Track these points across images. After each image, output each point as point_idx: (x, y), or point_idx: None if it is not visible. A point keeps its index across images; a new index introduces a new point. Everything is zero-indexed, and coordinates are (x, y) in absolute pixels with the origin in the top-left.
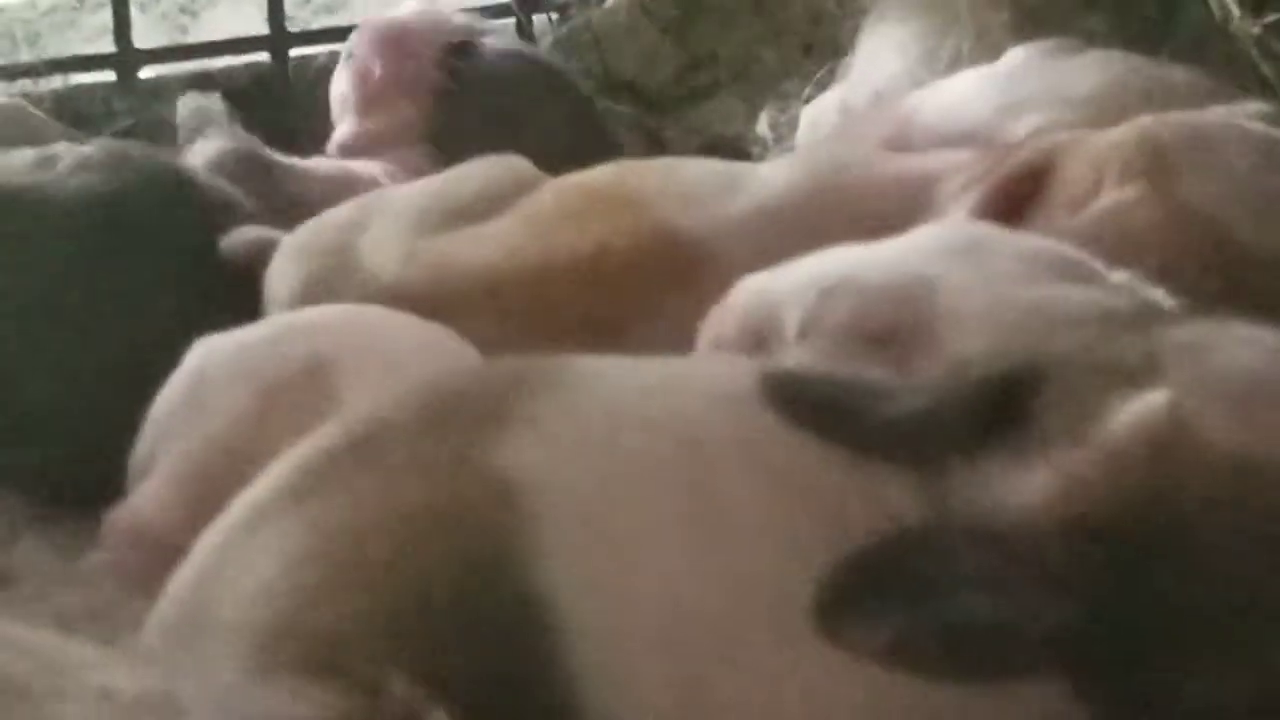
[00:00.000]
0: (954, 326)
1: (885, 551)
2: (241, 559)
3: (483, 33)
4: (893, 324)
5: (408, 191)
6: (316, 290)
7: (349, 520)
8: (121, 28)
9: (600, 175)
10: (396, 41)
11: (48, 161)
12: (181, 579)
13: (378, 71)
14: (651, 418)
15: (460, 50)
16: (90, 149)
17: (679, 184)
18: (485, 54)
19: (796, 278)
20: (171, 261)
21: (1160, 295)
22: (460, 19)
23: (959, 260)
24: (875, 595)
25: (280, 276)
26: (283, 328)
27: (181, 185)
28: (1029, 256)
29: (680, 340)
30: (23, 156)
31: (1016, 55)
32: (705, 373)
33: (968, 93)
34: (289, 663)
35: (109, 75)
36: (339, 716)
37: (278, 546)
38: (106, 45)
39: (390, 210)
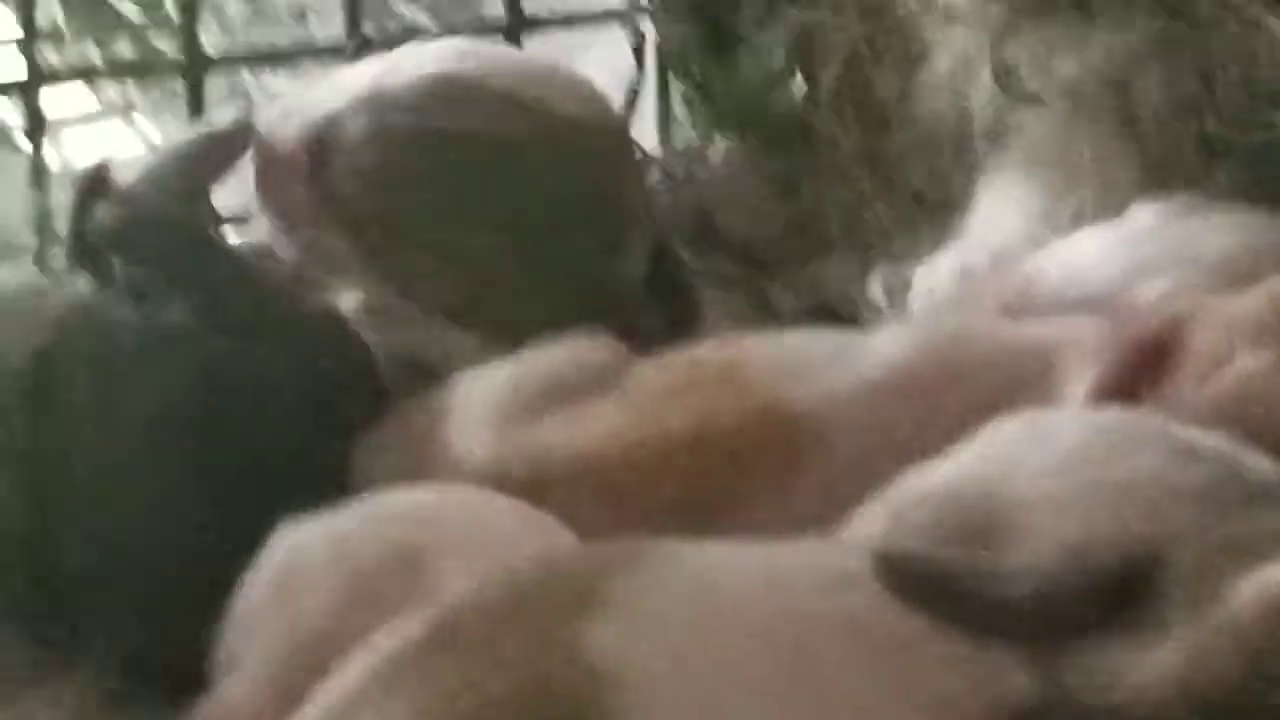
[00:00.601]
0: (1034, 512)
1: None
2: None
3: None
4: (968, 524)
5: (495, 374)
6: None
7: (436, 711)
8: None
9: (704, 350)
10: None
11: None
12: None
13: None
14: (746, 598)
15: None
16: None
17: (786, 358)
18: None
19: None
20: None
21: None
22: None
23: (1028, 447)
24: None
25: (363, 472)
26: (374, 513)
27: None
28: (1107, 430)
29: (787, 521)
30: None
31: (1142, 214)
32: (804, 553)
33: (1092, 255)
34: None
35: None
36: None
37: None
38: None
39: (478, 392)
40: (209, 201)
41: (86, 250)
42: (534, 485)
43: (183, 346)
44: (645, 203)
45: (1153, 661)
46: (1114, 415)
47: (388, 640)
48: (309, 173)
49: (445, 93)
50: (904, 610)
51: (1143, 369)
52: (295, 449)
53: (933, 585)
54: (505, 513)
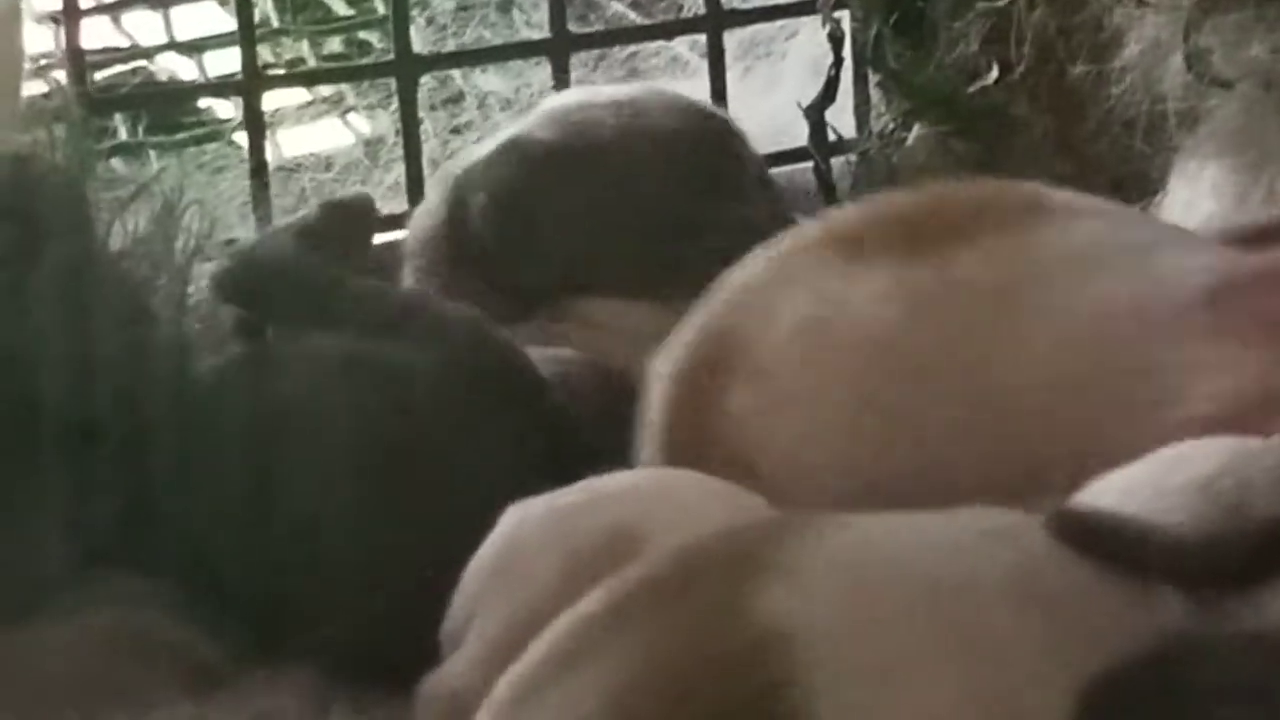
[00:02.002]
0: None
1: (1151, 664)
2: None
3: None
4: None
5: None
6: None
7: (618, 682)
8: (414, 185)
9: None
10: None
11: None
12: None
13: None
14: (912, 556)
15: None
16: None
17: None
18: None
19: None
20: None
21: None
22: None
23: None
24: (1139, 708)
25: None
26: (593, 494)
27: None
28: None
29: None
30: None
31: None
32: (966, 514)
33: None
34: None
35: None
36: None
37: (561, 707)
38: (400, 203)
39: None
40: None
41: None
42: None
43: (356, 370)
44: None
45: None
46: None
47: (567, 617)
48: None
49: (568, 119)
50: (1070, 560)
51: None
52: (471, 444)
53: (1109, 532)
54: (718, 495)
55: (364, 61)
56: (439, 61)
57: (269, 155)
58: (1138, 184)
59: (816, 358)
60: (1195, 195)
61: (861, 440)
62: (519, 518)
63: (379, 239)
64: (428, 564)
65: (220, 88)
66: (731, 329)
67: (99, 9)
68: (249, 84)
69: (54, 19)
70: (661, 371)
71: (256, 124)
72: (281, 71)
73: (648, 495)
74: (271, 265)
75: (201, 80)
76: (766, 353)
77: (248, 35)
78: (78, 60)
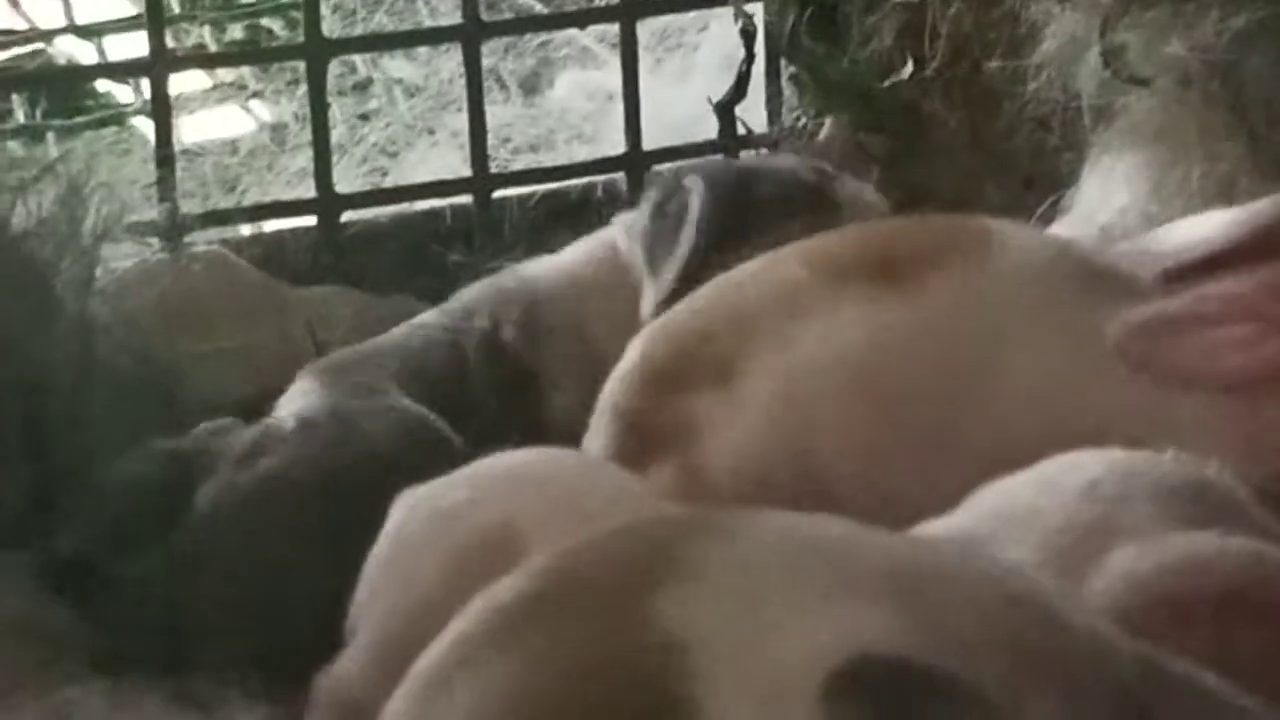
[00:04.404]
0: None
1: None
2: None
3: None
4: None
5: None
6: None
7: (525, 681)
8: (323, 171)
9: None
10: None
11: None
12: None
13: None
14: (817, 561)
15: None
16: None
17: None
18: None
19: None
20: None
21: None
22: None
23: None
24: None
25: None
26: (475, 487)
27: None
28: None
29: None
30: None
31: (1264, 205)
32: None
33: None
34: None
35: (309, 220)
36: None
37: (461, 704)
38: (305, 189)
39: None
40: None
41: None
42: None
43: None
44: None
45: None
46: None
47: (474, 613)
48: None
49: None
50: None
51: None
52: None
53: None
54: (599, 483)
55: (274, 44)
56: (350, 45)
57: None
58: (1050, 180)
59: (784, 374)
60: (1108, 189)
61: (817, 462)
62: (406, 510)
63: (284, 225)
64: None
65: (128, 69)
66: (705, 337)
67: None
68: (156, 66)
69: None
70: (629, 365)
71: (163, 107)
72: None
73: (530, 485)
74: None
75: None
76: (736, 364)
77: (155, 17)
78: None
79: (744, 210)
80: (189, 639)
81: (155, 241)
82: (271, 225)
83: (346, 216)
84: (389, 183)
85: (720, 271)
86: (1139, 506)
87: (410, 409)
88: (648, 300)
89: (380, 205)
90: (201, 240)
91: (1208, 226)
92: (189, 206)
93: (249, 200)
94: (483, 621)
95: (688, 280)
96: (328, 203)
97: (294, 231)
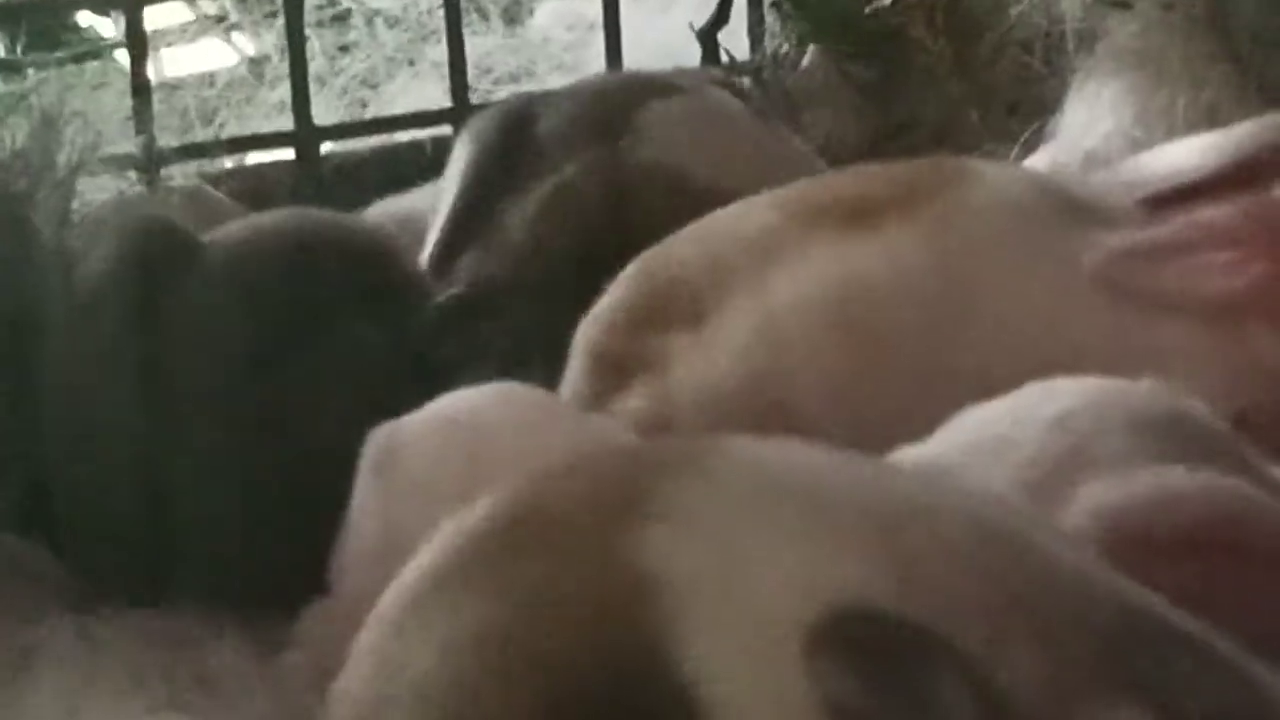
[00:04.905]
0: None
1: None
2: (395, 656)
3: None
4: None
5: None
6: None
7: (502, 612)
8: (301, 103)
9: None
10: None
11: None
12: (341, 684)
13: None
14: (792, 492)
15: None
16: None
17: None
18: None
19: None
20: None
21: None
22: None
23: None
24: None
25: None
26: (443, 420)
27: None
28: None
29: None
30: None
31: (1243, 132)
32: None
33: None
34: None
35: (288, 153)
36: None
37: (433, 637)
38: (285, 122)
39: None
40: None
41: None
42: None
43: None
44: None
45: None
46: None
47: (443, 544)
48: None
49: None
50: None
51: None
52: None
53: None
54: (567, 418)
55: None
56: None
57: (151, 74)
58: (1034, 105)
59: (758, 315)
60: (1093, 115)
61: (791, 400)
62: (382, 439)
63: (263, 158)
64: (307, 485)
65: (102, 3)
66: (679, 281)
67: None
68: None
69: None
70: (603, 308)
71: (138, 39)
72: None
73: (495, 418)
74: None
75: None
76: (710, 306)
77: None
78: None
79: (520, 151)
80: (164, 569)
81: (133, 176)
82: (251, 159)
83: (326, 149)
84: (369, 114)
85: (503, 216)
86: (1112, 439)
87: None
88: (425, 251)
89: (360, 137)
90: (181, 175)
91: (1187, 153)
92: (168, 140)
93: (228, 134)
94: (452, 554)
95: (464, 230)
96: (306, 135)
97: (273, 165)
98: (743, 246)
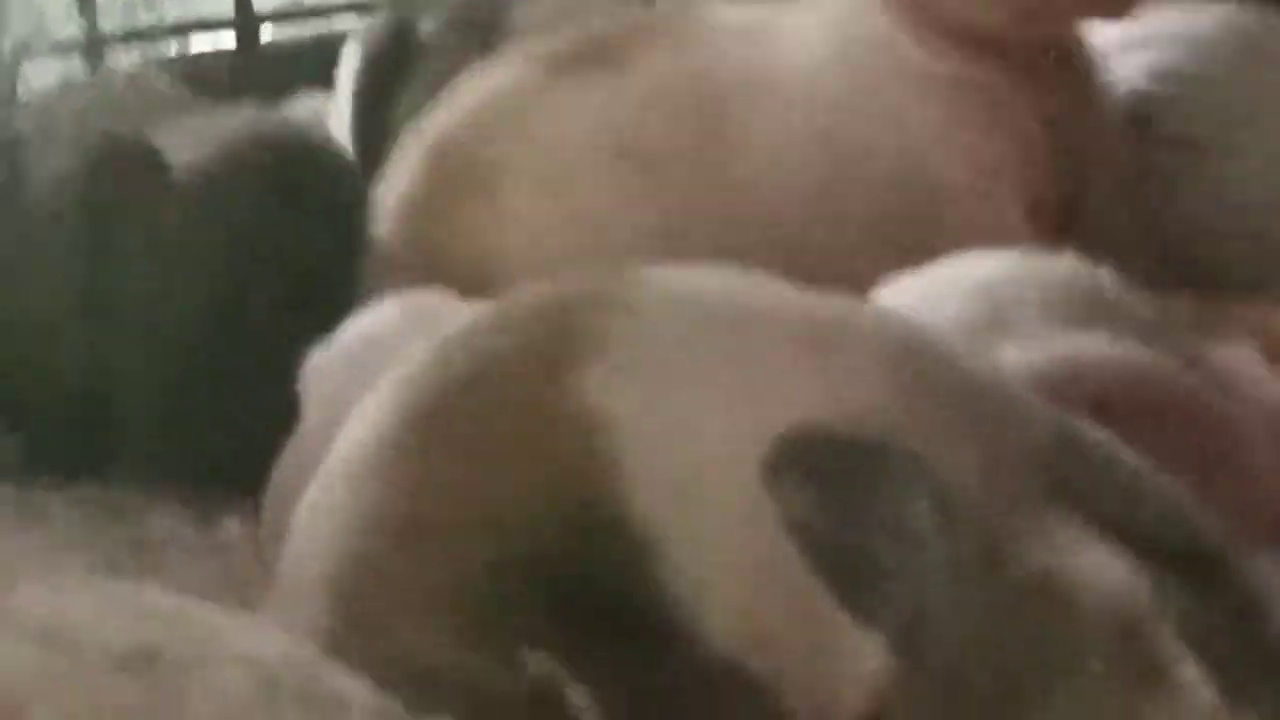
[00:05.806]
0: None
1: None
2: (339, 511)
3: None
4: None
5: None
6: None
7: (452, 467)
8: None
9: None
10: None
11: None
12: (290, 541)
13: None
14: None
15: None
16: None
17: None
18: None
19: None
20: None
21: None
22: None
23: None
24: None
25: None
26: (368, 334)
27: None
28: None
29: None
30: None
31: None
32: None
33: None
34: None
35: (229, 39)
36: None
37: (379, 497)
38: (226, 8)
39: None
40: None
41: None
42: None
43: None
44: None
45: None
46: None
47: (385, 398)
48: None
49: None
50: None
51: None
52: None
53: None
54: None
55: None
56: None
57: None
58: None
59: (542, 162)
60: None
61: (596, 226)
62: (319, 371)
63: (207, 44)
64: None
65: None
66: (455, 149)
67: None
68: None
69: None
70: (391, 193)
71: None
72: None
73: (397, 329)
74: None
75: None
76: (492, 166)
77: None
78: None
79: (404, 57)
80: (107, 444)
81: (78, 61)
82: (194, 46)
83: (267, 36)
84: (309, 1)
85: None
86: (1028, 308)
87: None
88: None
89: (298, 21)
90: (125, 60)
91: None
92: (110, 25)
93: (170, 20)
94: (397, 406)
95: (369, 140)
96: (246, 20)
97: (215, 53)
98: (502, 101)
